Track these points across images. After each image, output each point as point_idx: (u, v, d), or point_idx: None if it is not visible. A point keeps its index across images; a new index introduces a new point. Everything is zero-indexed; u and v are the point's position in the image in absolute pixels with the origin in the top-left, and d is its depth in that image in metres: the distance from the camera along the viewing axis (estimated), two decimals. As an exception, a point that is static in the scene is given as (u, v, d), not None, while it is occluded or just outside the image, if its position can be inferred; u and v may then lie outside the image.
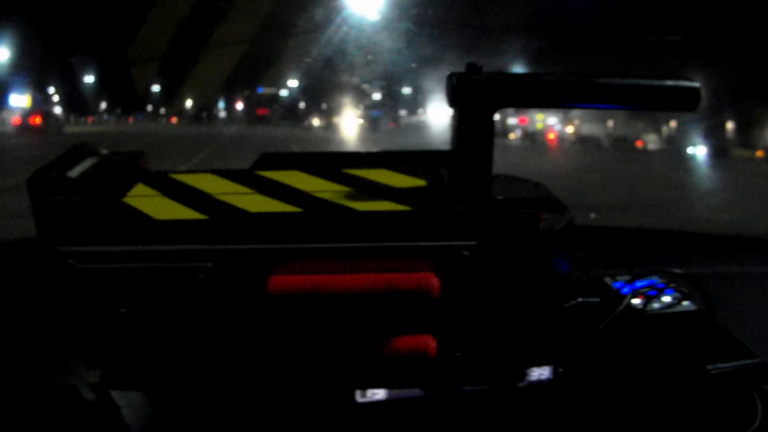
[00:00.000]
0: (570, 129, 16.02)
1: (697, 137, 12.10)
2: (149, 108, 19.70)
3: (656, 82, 0.55)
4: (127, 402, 0.65)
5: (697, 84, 0.54)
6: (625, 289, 0.75)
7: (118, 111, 18.92)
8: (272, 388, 0.60)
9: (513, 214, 0.55)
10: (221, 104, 20.38)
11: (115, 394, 0.66)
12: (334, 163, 0.66)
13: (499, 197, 0.59)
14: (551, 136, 15.80)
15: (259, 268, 0.54)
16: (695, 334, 0.70)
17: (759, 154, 12.27)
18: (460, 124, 0.56)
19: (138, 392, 0.65)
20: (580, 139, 15.23)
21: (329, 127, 16.70)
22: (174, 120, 19.93)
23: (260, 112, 19.34)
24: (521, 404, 0.66)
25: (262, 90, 18.77)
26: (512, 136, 17.05)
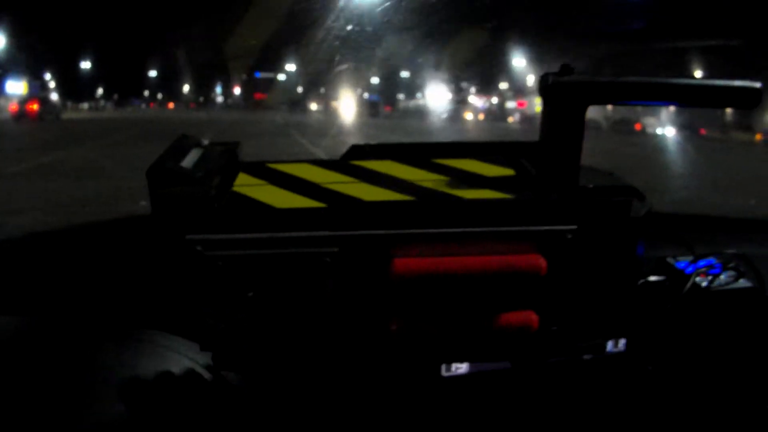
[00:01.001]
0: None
1: (667, 119, 12.28)
2: (146, 93, 19.63)
3: (725, 83, 0.61)
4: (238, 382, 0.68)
5: (758, 84, 0.60)
6: (690, 269, 0.81)
7: (115, 97, 18.86)
8: (383, 364, 0.64)
9: (610, 202, 0.61)
10: (218, 89, 20.30)
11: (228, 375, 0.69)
12: (421, 153, 0.71)
13: (590, 186, 0.64)
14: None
15: (383, 252, 0.59)
16: (753, 307, 0.77)
17: (758, 137, 12.27)
18: (552, 118, 0.62)
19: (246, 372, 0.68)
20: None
21: (327, 111, 16.65)
22: (171, 105, 19.86)
23: (258, 96, 19.26)
24: (597, 374, 0.72)
25: (260, 74, 18.68)
26: (511, 119, 17.02)
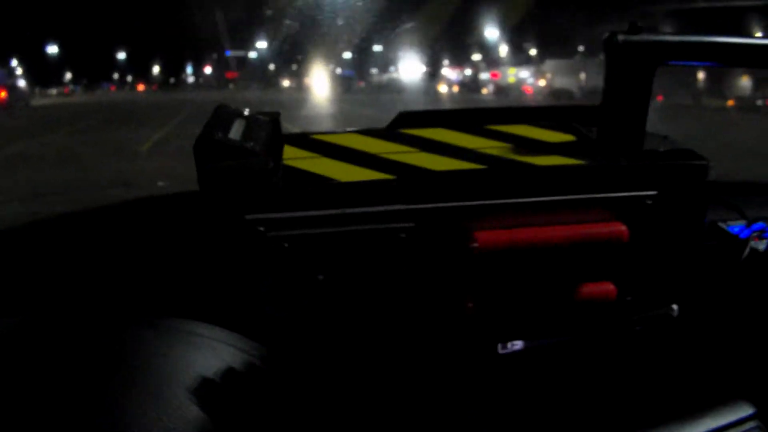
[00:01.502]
0: (542, 82, 16.03)
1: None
2: (116, 76, 19.29)
3: None
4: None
5: None
6: (744, 233, 0.80)
7: (84, 81, 18.52)
8: (459, 341, 0.60)
9: (691, 165, 0.59)
10: (189, 69, 20.02)
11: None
12: (471, 119, 0.67)
13: (660, 149, 0.61)
14: (529, 89, 15.99)
15: (463, 225, 0.55)
16: None
17: (730, 103, 12.39)
18: (619, 79, 0.58)
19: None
20: (553, 92, 15.21)
21: (300, 88, 16.51)
22: (141, 87, 19.54)
23: (229, 75, 19.07)
24: (650, 341, 0.69)
25: (231, 53, 18.45)
26: (485, 90, 17.00)
